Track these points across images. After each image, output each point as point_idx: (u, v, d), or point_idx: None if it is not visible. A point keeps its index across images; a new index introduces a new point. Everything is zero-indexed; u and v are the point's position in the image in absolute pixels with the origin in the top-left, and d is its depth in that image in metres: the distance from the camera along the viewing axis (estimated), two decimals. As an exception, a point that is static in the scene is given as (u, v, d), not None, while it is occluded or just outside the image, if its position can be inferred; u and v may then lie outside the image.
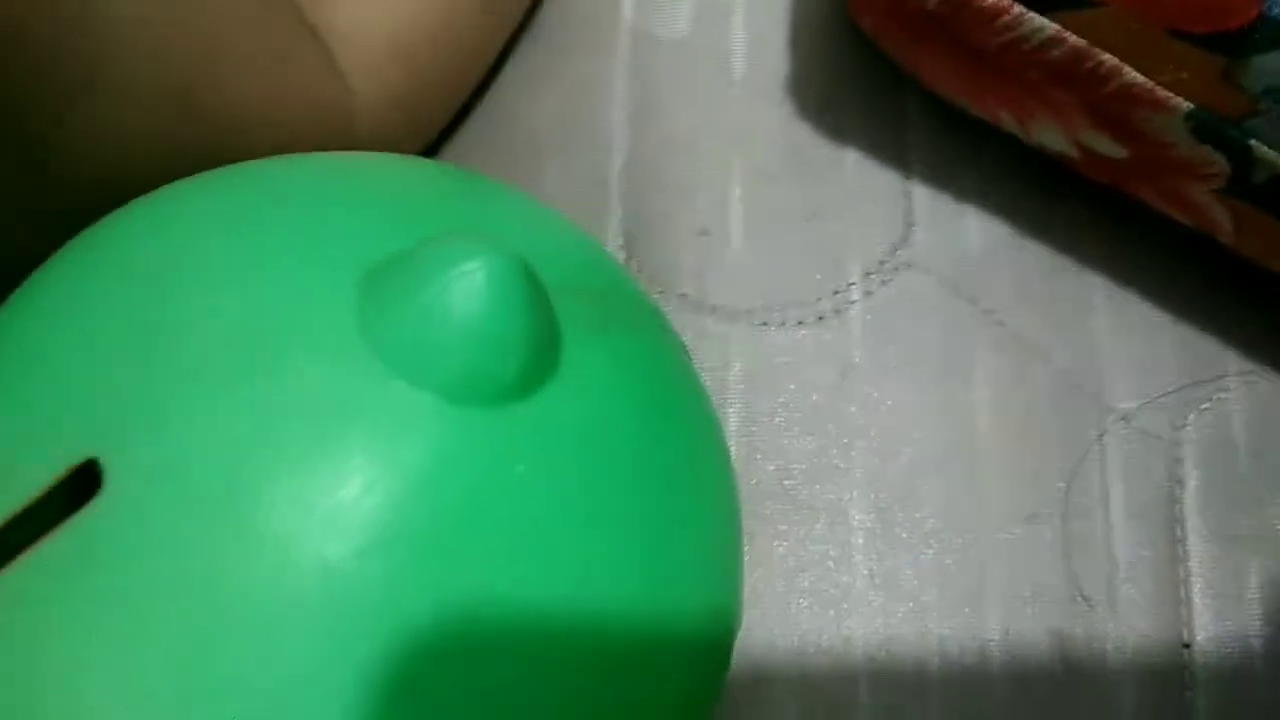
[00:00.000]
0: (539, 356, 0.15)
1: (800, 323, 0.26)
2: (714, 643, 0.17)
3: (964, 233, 0.26)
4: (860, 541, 0.25)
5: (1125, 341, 0.25)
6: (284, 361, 0.14)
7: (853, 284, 0.26)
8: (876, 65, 0.27)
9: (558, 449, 0.15)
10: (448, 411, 0.14)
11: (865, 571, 0.24)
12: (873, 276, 0.26)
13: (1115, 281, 0.26)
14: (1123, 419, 0.25)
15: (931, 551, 0.24)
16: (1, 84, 0.16)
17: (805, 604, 0.24)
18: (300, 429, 0.14)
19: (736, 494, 0.19)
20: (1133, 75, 0.21)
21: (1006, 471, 0.25)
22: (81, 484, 0.14)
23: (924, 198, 0.27)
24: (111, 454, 0.13)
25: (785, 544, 0.24)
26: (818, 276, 0.26)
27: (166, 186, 0.17)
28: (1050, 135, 0.23)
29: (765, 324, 0.26)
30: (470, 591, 0.14)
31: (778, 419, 0.25)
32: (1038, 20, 0.21)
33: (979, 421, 0.25)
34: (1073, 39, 0.20)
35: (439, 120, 0.27)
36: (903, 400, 0.25)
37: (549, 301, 0.15)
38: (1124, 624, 0.24)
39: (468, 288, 0.14)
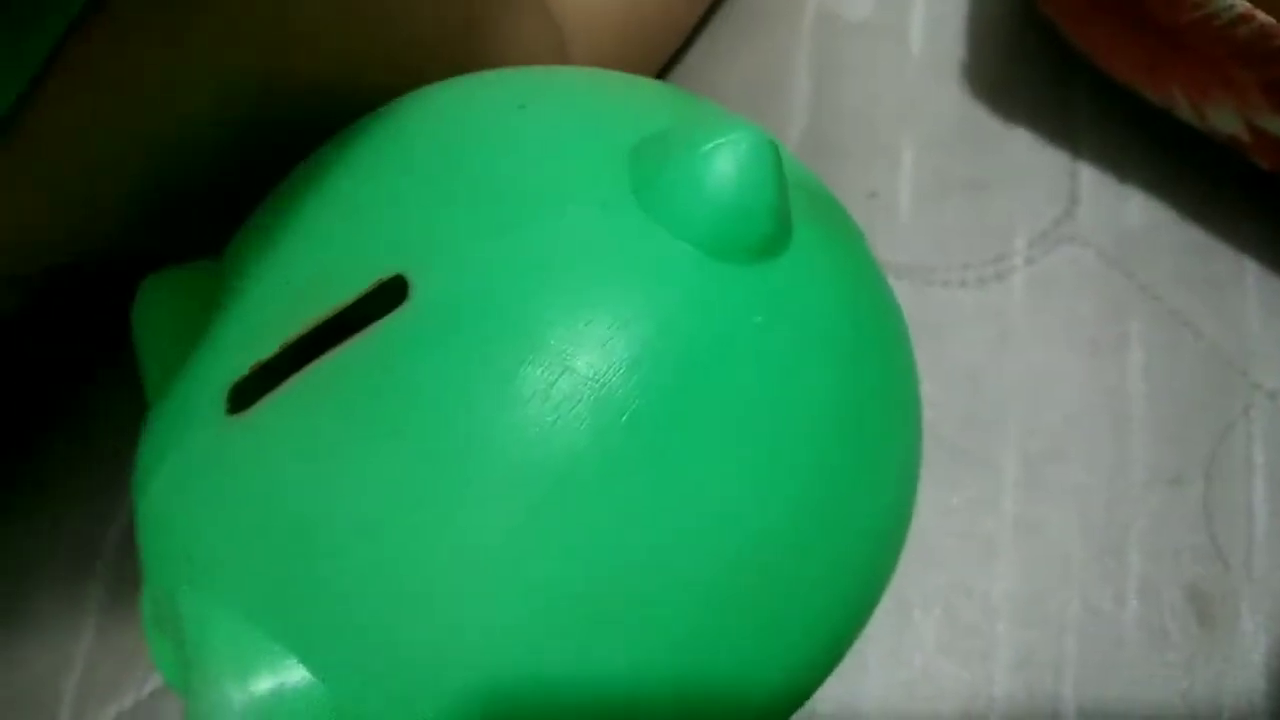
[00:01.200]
0: (780, 226, 0.16)
1: (963, 284, 0.27)
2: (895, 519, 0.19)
3: (1126, 212, 0.28)
4: (1008, 491, 0.26)
5: (1275, 323, 0.27)
6: (565, 209, 0.16)
7: (1015, 252, 0.28)
8: (1049, 50, 0.29)
9: (790, 310, 0.17)
10: (702, 262, 0.16)
11: (1011, 519, 0.26)
12: (1035, 247, 0.28)
13: (1268, 266, 0.27)
14: (1269, 396, 0.26)
15: (1077, 505, 0.26)
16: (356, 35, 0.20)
17: (952, 544, 0.26)
18: (577, 264, 0.16)
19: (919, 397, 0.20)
20: (1315, 56, 0.22)
21: (1153, 435, 0.26)
22: (387, 299, 0.16)
23: (1089, 177, 0.28)
24: (416, 273, 0.16)
25: (936, 487, 0.26)
26: (981, 243, 0.28)
27: (462, 77, 0.19)
28: (1225, 117, 0.25)
29: (928, 283, 0.28)
30: (703, 410, 0.15)
31: (938, 371, 0.27)
32: (1228, -2, 0.22)
33: (1129, 387, 0.26)
34: (1262, 17, 0.22)
35: None
36: (1057, 362, 0.27)
37: (786, 182, 0.17)
38: (1259, 587, 0.25)
39: (731, 154, 0.16)
